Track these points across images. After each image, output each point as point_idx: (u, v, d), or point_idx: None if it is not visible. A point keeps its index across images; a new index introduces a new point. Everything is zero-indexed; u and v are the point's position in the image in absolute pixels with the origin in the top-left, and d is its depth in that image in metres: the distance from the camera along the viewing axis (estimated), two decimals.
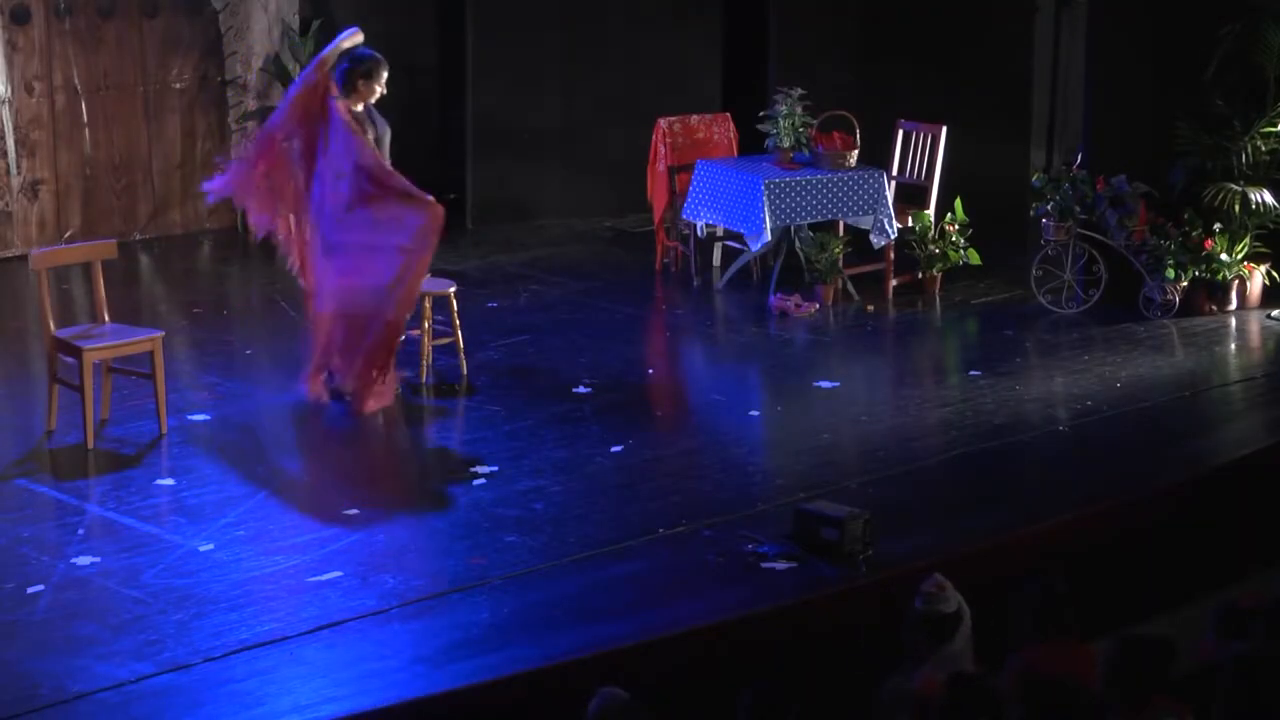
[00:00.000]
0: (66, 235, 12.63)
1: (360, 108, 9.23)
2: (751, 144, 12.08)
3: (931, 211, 11.66)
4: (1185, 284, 11.02)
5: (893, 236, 11.39)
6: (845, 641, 6.92)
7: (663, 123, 12.15)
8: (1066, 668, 5.52)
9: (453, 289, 9.79)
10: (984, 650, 6.08)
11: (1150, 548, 7.89)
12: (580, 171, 13.85)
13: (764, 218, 11.08)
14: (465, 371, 9.77)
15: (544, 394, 9.55)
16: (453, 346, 9.82)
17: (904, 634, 5.84)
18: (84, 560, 7.34)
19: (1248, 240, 11.09)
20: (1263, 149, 10.99)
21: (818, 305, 11.25)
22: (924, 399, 9.68)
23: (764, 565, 7.32)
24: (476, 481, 8.31)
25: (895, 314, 11.29)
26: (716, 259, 12.19)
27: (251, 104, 13.52)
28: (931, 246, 11.56)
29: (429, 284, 9.51)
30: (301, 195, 9.17)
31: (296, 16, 13.55)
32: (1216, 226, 10.99)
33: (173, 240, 13.22)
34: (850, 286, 11.50)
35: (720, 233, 12.02)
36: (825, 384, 9.82)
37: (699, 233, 11.91)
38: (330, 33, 13.52)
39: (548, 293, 11.70)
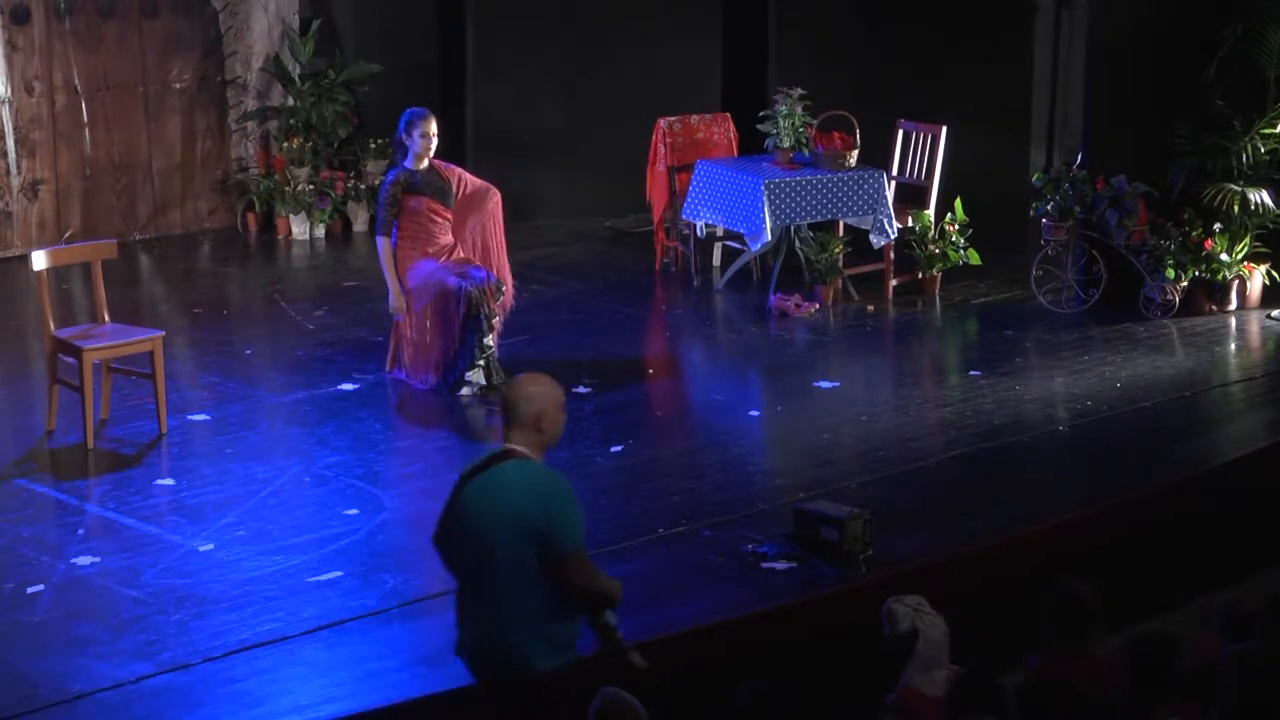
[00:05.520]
0: (66, 235, 12.62)
1: (425, 164, 9.61)
2: (751, 144, 12.08)
3: (931, 211, 11.65)
4: (1185, 284, 11.02)
5: (893, 236, 11.38)
6: (845, 641, 6.91)
7: (663, 123, 12.15)
8: (1078, 674, 5.53)
9: None
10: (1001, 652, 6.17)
11: (1150, 548, 7.88)
12: (580, 171, 13.84)
13: (764, 218, 11.07)
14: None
15: None
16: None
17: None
18: (84, 560, 7.34)
19: (1248, 240, 11.09)
20: (1262, 149, 10.98)
21: (818, 305, 11.24)
22: (924, 399, 9.68)
23: (764, 565, 7.32)
24: None
25: (895, 314, 11.29)
26: (716, 259, 12.18)
27: (251, 104, 13.53)
28: (931, 246, 11.56)
29: None
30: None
31: (296, 16, 13.55)
32: (1216, 226, 10.98)
33: (173, 240, 13.23)
34: (850, 286, 11.50)
35: (720, 233, 12.02)
36: (825, 384, 9.81)
37: (699, 233, 11.91)
38: (331, 33, 13.57)
39: (548, 293, 11.69)
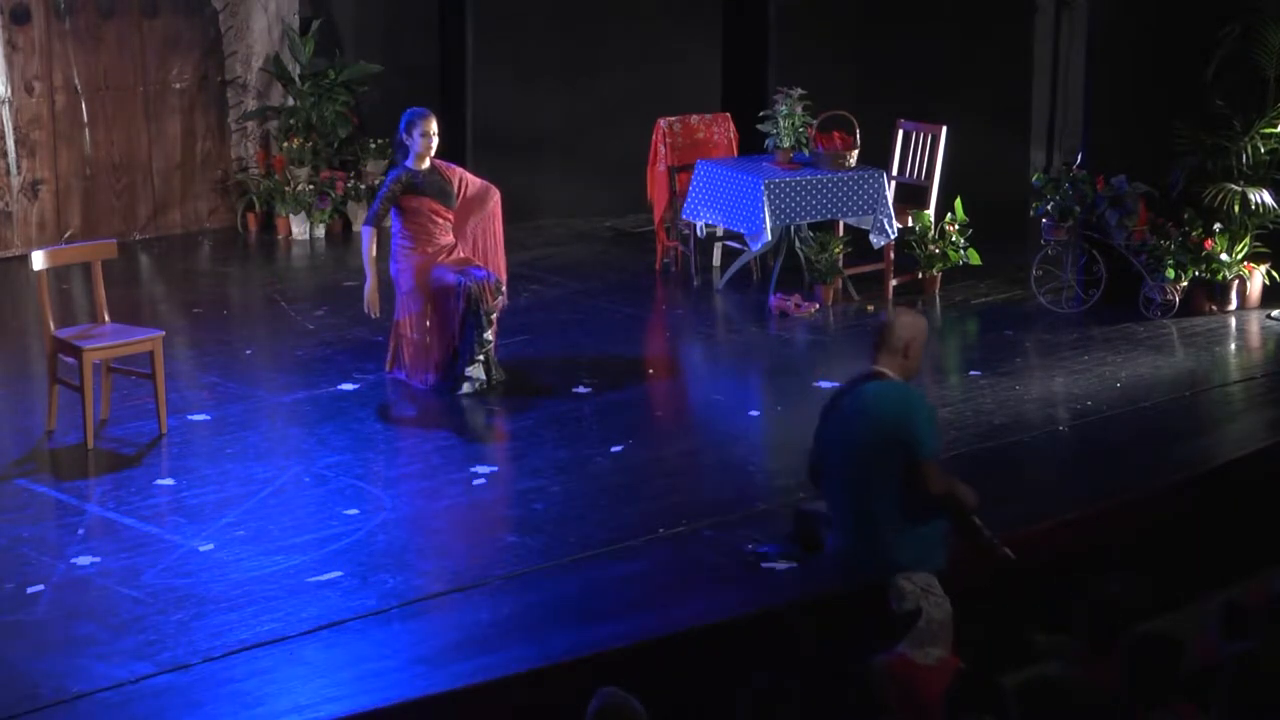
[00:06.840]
0: (66, 235, 12.63)
1: (427, 164, 9.61)
2: (751, 144, 12.08)
3: (931, 211, 11.65)
4: (1185, 284, 11.02)
5: (893, 236, 11.38)
6: (845, 641, 6.91)
7: (663, 123, 12.15)
8: (1092, 669, 5.54)
9: None
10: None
11: (1151, 548, 7.88)
12: (580, 171, 13.84)
13: (764, 218, 11.07)
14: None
15: (544, 394, 9.55)
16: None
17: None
18: (84, 560, 7.34)
19: (1248, 240, 11.09)
20: (1262, 149, 10.98)
21: (818, 305, 11.24)
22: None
23: (764, 565, 7.32)
24: (476, 481, 8.31)
25: None
26: (716, 259, 12.18)
27: (251, 104, 13.52)
28: (931, 246, 11.56)
29: None
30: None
31: (296, 16, 13.55)
32: (1216, 226, 10.98)
33: (173, 240, 13.22)
34: (850, 286, 11.50)
35: (720, 233, 12.02)
36: (825, 384, 9.80)
37: (699, 233, 11.91)
38: (331, 33, 13.57)
39: (548, 293, 11.70)
